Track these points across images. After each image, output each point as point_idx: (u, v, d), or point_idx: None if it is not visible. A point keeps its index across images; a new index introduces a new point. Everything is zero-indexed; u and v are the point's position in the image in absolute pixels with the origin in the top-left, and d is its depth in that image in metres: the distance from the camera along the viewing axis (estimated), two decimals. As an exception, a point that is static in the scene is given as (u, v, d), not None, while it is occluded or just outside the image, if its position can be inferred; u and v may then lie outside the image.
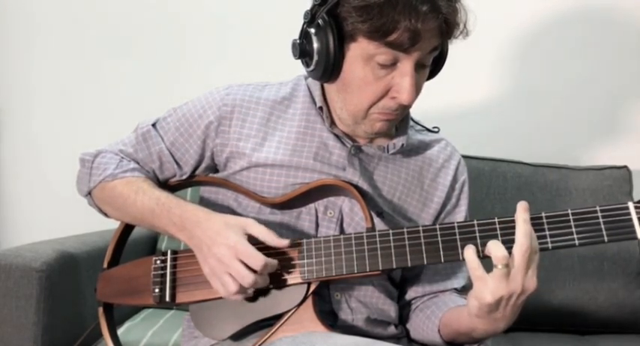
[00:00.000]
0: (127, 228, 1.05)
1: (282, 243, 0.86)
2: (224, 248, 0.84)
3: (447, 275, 1.03)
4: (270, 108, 0.99)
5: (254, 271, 0.83)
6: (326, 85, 0.97)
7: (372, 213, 0.94)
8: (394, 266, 0.85)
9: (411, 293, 1.04)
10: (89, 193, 1.02)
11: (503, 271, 0.76)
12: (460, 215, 1.05)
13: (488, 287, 0.76)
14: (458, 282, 1.03)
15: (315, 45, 0.89)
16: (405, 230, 0.85)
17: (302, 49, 0.92)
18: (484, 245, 0.81)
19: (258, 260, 0.83)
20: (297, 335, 0.84)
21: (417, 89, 0.89)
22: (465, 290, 1.04)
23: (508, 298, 0.77)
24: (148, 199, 0.94)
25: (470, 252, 0.78)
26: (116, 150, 1.02)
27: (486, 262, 1.02)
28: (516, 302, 0.78)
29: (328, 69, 0.89)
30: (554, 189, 1.57)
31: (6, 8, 1.91)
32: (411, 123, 1.04)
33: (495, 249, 0.76)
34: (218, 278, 0.85)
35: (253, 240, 0.86)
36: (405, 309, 1.05)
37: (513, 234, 0.80)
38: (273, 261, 0.85)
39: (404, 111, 0.94)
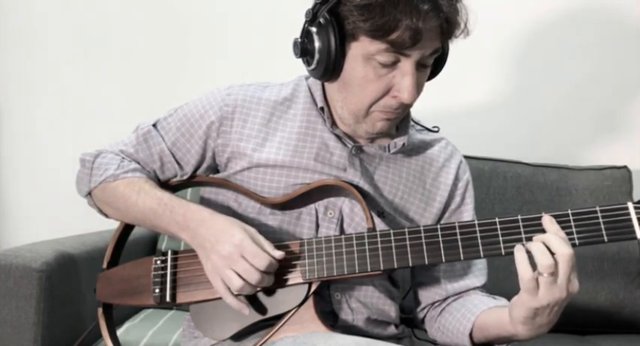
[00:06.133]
0: (127, 228, 1.05)
1: (277, 254, 0.86)
2: (229, 245, 0.84)
3: (466, 274, 1.02)
4: (271, 108, 0.99)
5: (258, 270, 0.83)
6: (327, 85, 0.97)
7: (373, 213, 0.94)
8: (395, 266, 0.85)
9: (433, 296, 1.03)
10: (89, 194, 1.02)
11: (549, 279, 0.75)
12: (467, 213, 1.04)
13: (536, 295, 0.76)
14: (478, 280, 1.02)
15: (317, 44, 0.89)
16: (406, 230, 0.85)
17: (303, 48, 0.92)
18: (485, 245, 0.82)
19: (263, 259, 0.83)
20: (298, 336, 0.84)
21: (418, 88, 0.89)
22: (485, 287, 1.03)
23: (554, 304, 0.77)
24: (150, 199, 0.94)
25: (522, 260, 0.76)
26: (117, 150, 1.02)
27: (490, 260, 1.01)
28: (561, 305, 0.78)
29: (329, 68, 0.89)
30: (554, 189, 1.57)
31: (6, 8, 1.91)
32: (411, 123, 1.04)
33: (542, 257, 0.74)
34: (220, 275, 0.85)
35: None
36: (426, 312, 1.05)
37: (513, 234, 0.81)
38: (276, 262, 0.85)
39: (405, 110, 0.94)
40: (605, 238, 0.79)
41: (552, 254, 0.75)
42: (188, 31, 1.86)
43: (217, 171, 1.03)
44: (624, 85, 1.77)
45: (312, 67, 0.91)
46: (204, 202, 1.04)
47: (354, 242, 0.87)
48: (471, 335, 0.93)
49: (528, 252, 0.77)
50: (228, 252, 0.84)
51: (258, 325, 0.91)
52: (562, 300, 0.77)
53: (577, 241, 0.79)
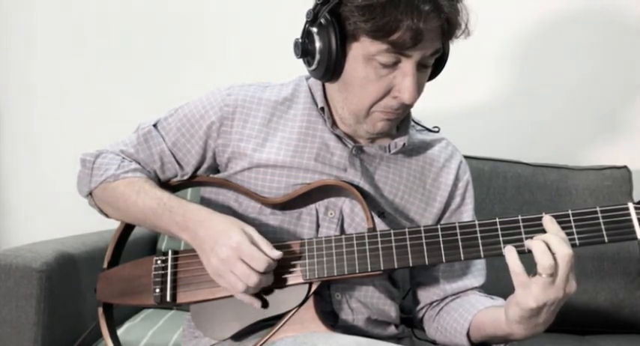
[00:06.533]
0: (127, 228, 1.05)
1: (275, 254, 0.85)
2: (227, 248, 0.84)
3: (464, 274, 1.02)
4: (271, 108, 0.99)
5: (257, 273, 0.83)
6: (327, 85, 0.97)
7: (374, 214, 0.94)
8: (395, 266, 0.85)
9: (431, 296, 1.03)
10: (90, 194, 1.02)
11: (548, 280, 0.75)
12: (467, 214, 1.04)
13: (532, 294, 0.76)
14: (477, 281, 1.02)
15: (317, 44, 0.89)
16: (406, 230, 0.85)
17: (304, 48, 0.92)
18: (485, 245, 0.82)
19: (260, 261, 0.83)
20: (299, 335, 0.84)
21: (418, 88, 0.89)
22: (484, 288, 1.03)
23: (551, 304, 0.77)
24: (150, 199, 0.94)
25: (513, 257, 0.77)
26: (117, 150, 1.02)
27: (489, 260, 1.01)
28: (557, 305, 0.78)
29: (330, 68, 0.89)
30: (554, 189, 1.58)
31: (6, 8, 1.91)
32: (412, 123, 1.04)
33: (543, 257, 0.75)
34: (223, 277, 0.85)
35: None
36: (424, 312, 1.05)
37: (513, 234, 0.81)
38: (274, 262, 0.85)
39: (405, 110, 0.94)
40: (606, 238, 0.79)
41: (552, 254, 0.75)
42: (188, 31, 1.86)
43: (218, 171, 1.03)
44: (624, 85, 1.77)
45: (313, 67, 0.91)
46: (205, 202, 1.04)
47: (355, 242, 0.87)
48: (468, 334, 0.93)
49: (523, 252, 0.77)
50: (226, 255, 0.84)
51: (259, 325, 0.91)
52: (558, 300, 0.77)
53: (577, 241, 0.79)
